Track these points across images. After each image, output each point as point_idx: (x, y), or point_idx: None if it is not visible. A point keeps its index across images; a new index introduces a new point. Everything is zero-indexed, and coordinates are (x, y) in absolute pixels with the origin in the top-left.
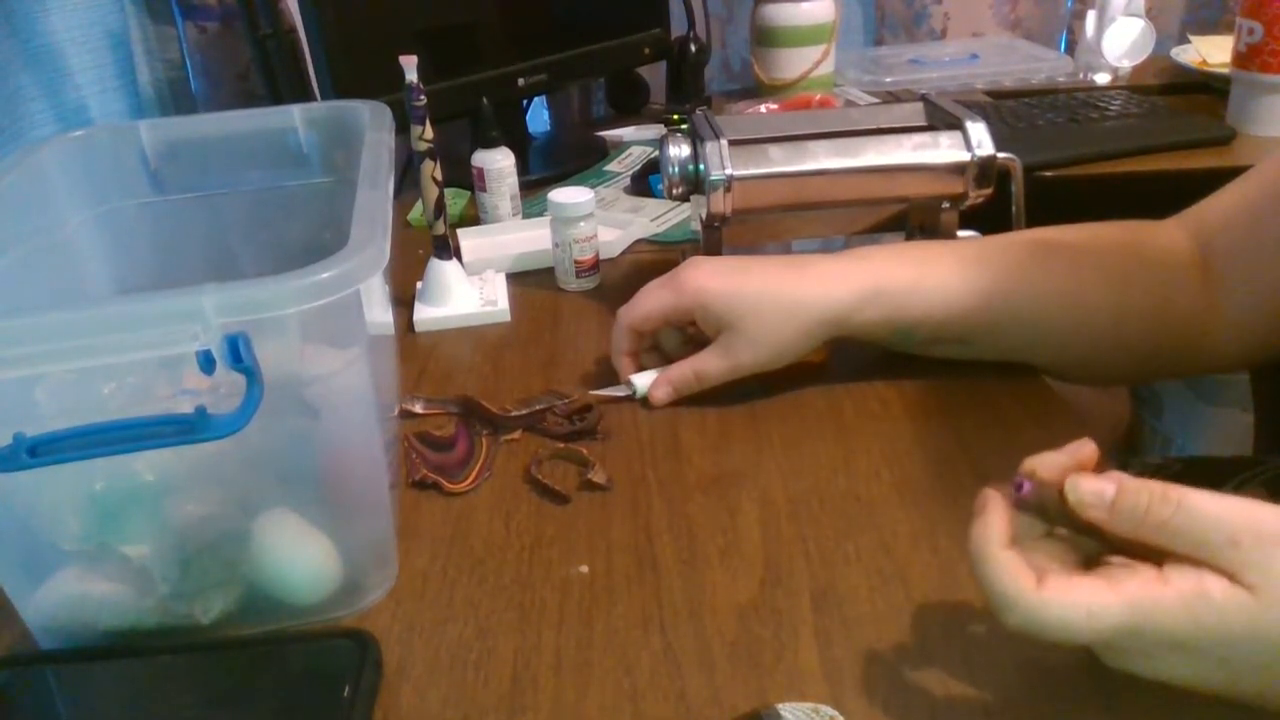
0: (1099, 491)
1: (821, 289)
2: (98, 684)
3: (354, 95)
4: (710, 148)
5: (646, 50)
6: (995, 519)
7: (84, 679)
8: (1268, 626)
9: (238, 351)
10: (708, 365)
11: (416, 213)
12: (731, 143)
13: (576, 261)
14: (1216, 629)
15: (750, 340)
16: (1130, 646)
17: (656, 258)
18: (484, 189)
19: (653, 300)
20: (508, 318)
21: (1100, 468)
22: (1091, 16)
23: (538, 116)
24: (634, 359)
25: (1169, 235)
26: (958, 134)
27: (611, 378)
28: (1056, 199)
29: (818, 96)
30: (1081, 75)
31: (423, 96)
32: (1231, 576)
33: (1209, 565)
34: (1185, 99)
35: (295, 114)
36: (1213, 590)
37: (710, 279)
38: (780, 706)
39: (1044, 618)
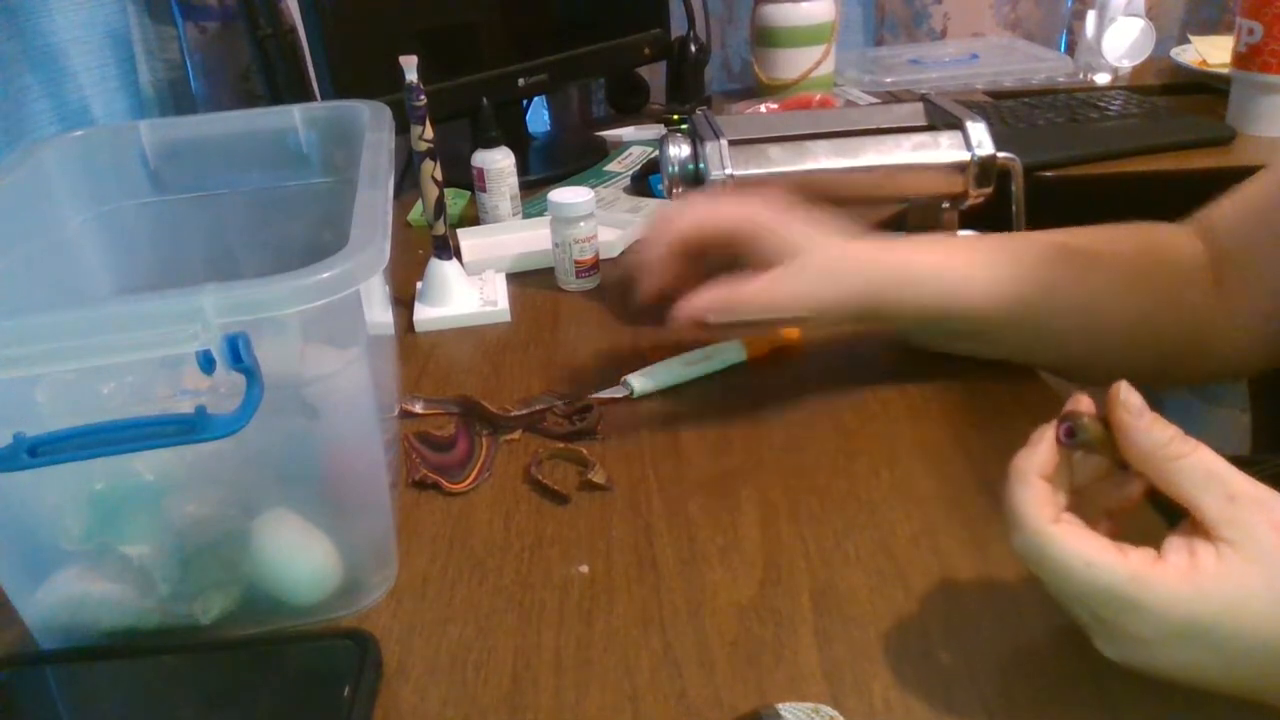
0: (1141, 404)
1: (866, 257)
2: (98, 684)
3: (354, 95)
4: (710, 148)
5: (647, 50)
6: (1044, 451)
7: (84, 679)
8: (1256, 590)
9: (238, 351)
10: (767, 290)
11: (416, 213)
12: (731, 143)
13: (576, 261)
14: (1214, 596)
15: (811, 279)
16: (1127, 626)
17: None
18: (484, 189)
19: (716, 210)
20: (508, 318)
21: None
22: (1091, 17)
23: (538, 116)
24: (670, 270)
25: (1182, 238)
26: (958, 134)
27: (611, 378)
28: (1056, 199)
29: (818, 96)
30: (1081, 75)
31: (423, 96)
32: (1216, 529)
33: (1199, 513)
34: (1185, 99)
35: (295, 114)
36: (1204, 559)
37: (772, 208)
38: (780, 706)
39: (1047, 549)
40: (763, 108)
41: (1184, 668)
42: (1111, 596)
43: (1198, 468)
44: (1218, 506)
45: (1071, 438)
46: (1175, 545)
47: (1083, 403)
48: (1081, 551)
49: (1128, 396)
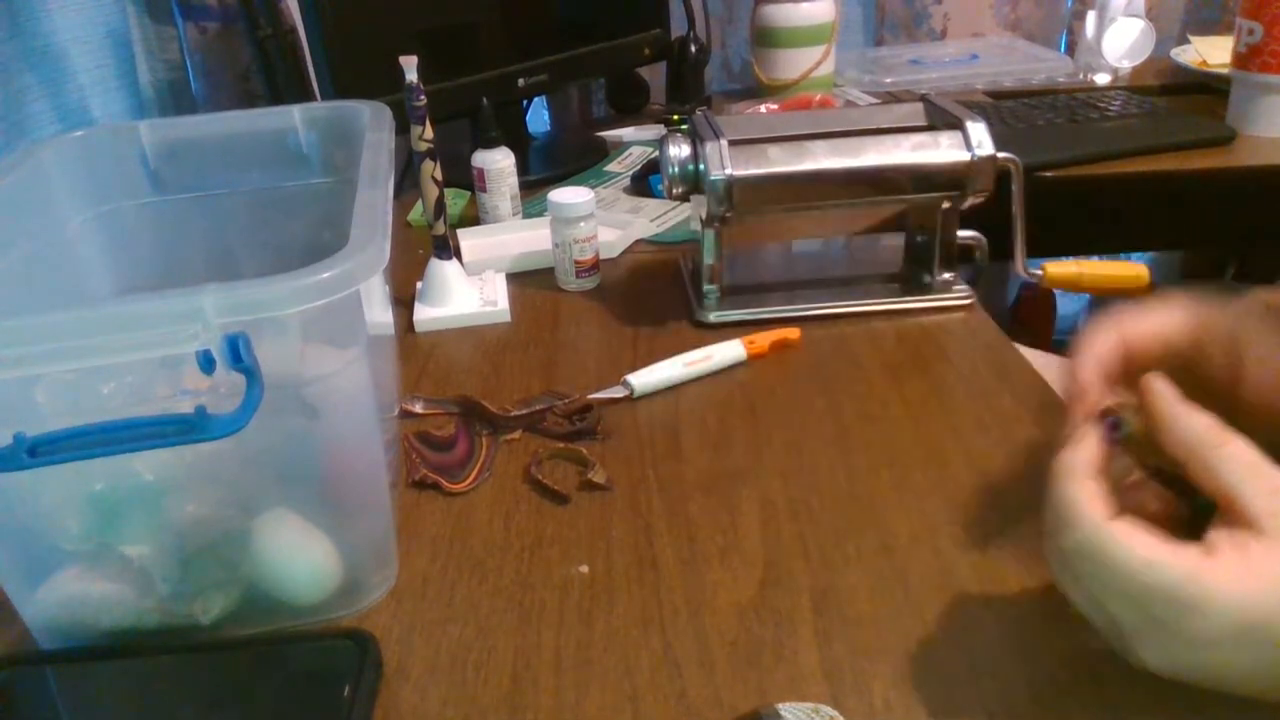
0: (1177, 393)
1: None
2: (98, 684)
3: (354, 95)
4: (710, 148)
5: (647, 50)
6: (1091, 449)
7: (84, 679)
8: None
9: (238, 351)
10: None
11: (416, 213)
12: (731, 143)
13: (576, 261)
14: (1273, 591)
15: None
16: (1185, 627)
17: (656, 258)
18: (484, 189)
19: (1152, 320)
20: (508, 318)
21: None
22: (1091, 17)
23: (538, 116)
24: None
25: None
26: (958, 134)
27: (611, 378)
28: (1056, 199)
29: (818, 96)
30: (1081, 75)
31: (423, 96)
32: (1258, 522)
33: (1240, 504)
34: (1185, 99)
35: (295, 114)
36: (1256, 554)
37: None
38: (780, 706)
39: (1108, 547)
40: (763, 108)
41: (1231, 669)
42: (1174, 596)
43: (1239, 458)
44: (1263, 499)
45: (1116, 430)
46: (1221, 539)
47: (1120, 398)
48: (1142, 550)
49: (1163, 386)
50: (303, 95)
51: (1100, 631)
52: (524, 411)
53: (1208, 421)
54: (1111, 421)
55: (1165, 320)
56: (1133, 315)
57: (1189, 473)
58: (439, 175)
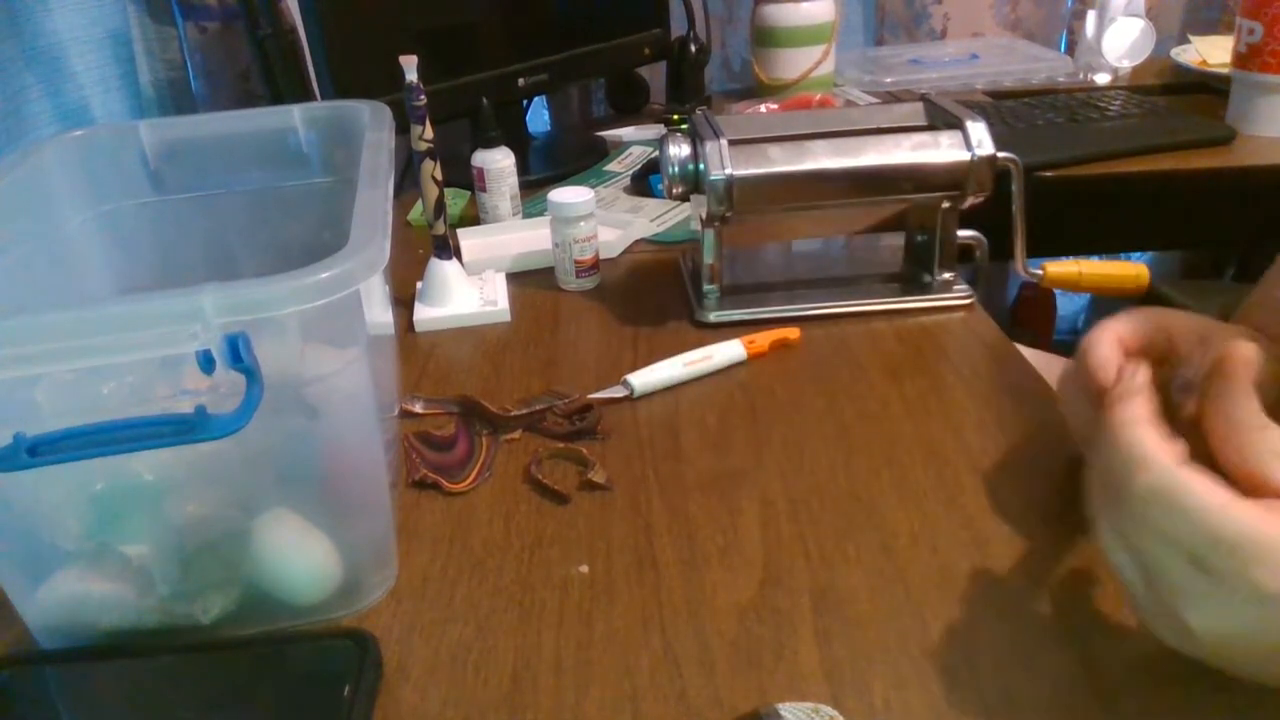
0: (1254, 372)
1: None
2: (98, 684)
3: (354, 95)
4: (710, 147)
5: (646, 50)
6: (1146, 404)
7: (84, 679)
8: None
9: (237, 351)
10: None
11: (416, 213)
12: (731, 143)
13: (576, 261)
14: None
15: None
16: (1253, 577)
17: (656, 258)
18: (484, 189)
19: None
20: (508, 318)
21: None
22: (1091, 17)
23: (538, 116)
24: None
25: None
26: (958, 134)
27: (611, 378)
28: (1056, 199)
29: (818, 96)
30: (1081, 75)
31: (423, 96)
32: None
33: (1273, 483)
34: (1185, 99)
35: (295, 114)
36: None
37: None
38: (780, 706)
39: (1181, 489)
40: (763, 108)
41: (1271, 634)
42: (1245, 540)
43: (1273, 443)
44: None
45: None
46: (1269, 505)
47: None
48: (1215, 494)
49: (1250, 355)
50: (303, 95)
51: (1136, 598)
52: (524, 411)
53: (1257, 405)
54: (1182, 383)
55: (1156, 315)
56: (1129, 314)
57: (1220, 447)
58: (439, 175)
